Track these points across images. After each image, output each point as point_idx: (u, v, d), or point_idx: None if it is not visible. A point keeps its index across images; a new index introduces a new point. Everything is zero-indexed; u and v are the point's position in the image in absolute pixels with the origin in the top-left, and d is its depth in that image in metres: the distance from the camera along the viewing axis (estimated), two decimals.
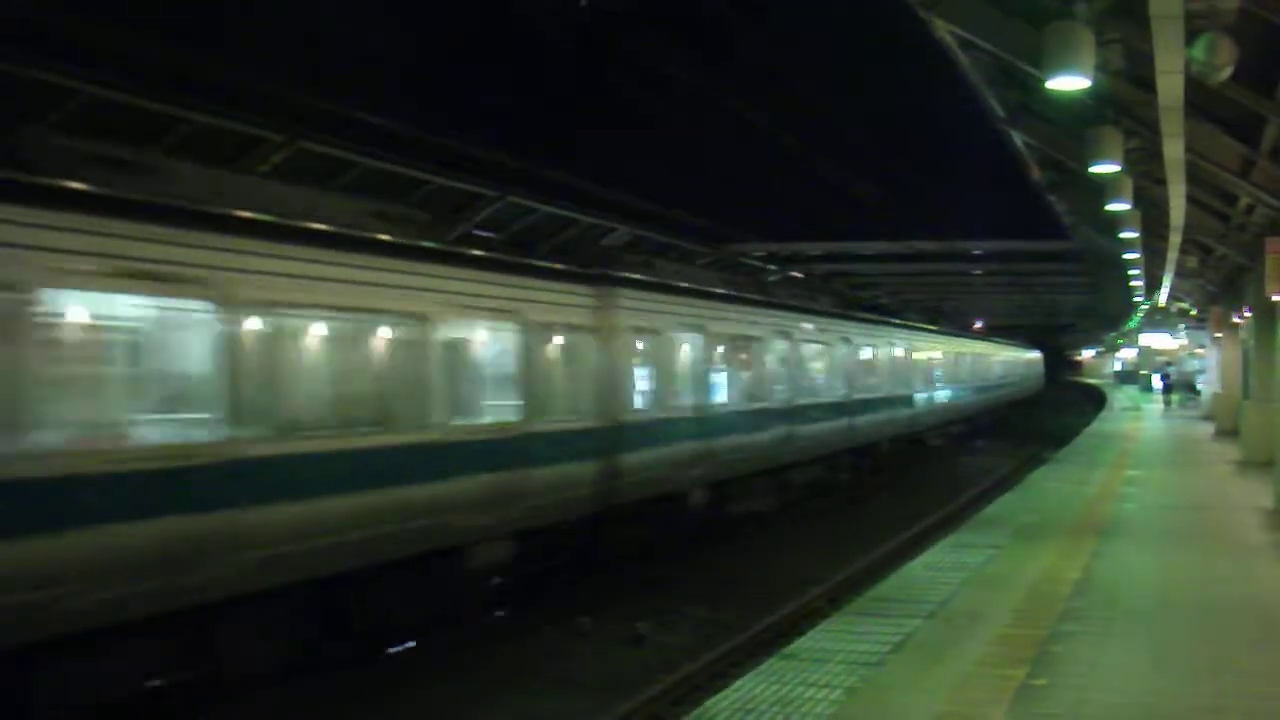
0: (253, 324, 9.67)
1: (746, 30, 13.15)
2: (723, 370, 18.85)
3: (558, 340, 14.45)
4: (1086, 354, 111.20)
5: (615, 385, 15.28)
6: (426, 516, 11.48)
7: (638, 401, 15.99)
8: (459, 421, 12.17)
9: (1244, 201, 17.36)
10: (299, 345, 10.60)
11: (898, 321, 34.04)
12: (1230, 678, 7.75)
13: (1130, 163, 14.55)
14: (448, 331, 12.12)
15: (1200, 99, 11.80)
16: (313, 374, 10.79)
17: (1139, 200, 17.05)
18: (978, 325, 62.55)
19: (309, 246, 10.40)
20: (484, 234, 18.08)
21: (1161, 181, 14.83)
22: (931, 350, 36.58)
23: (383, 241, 11.65)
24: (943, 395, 37.63)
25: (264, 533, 9.41)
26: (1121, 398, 59.27)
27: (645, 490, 15.70)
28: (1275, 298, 17.42)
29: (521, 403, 13.30)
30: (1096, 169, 13.99)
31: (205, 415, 9.17)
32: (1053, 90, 10.72)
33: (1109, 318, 63.35)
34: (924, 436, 34.58)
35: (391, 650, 11.99)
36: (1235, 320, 28.06)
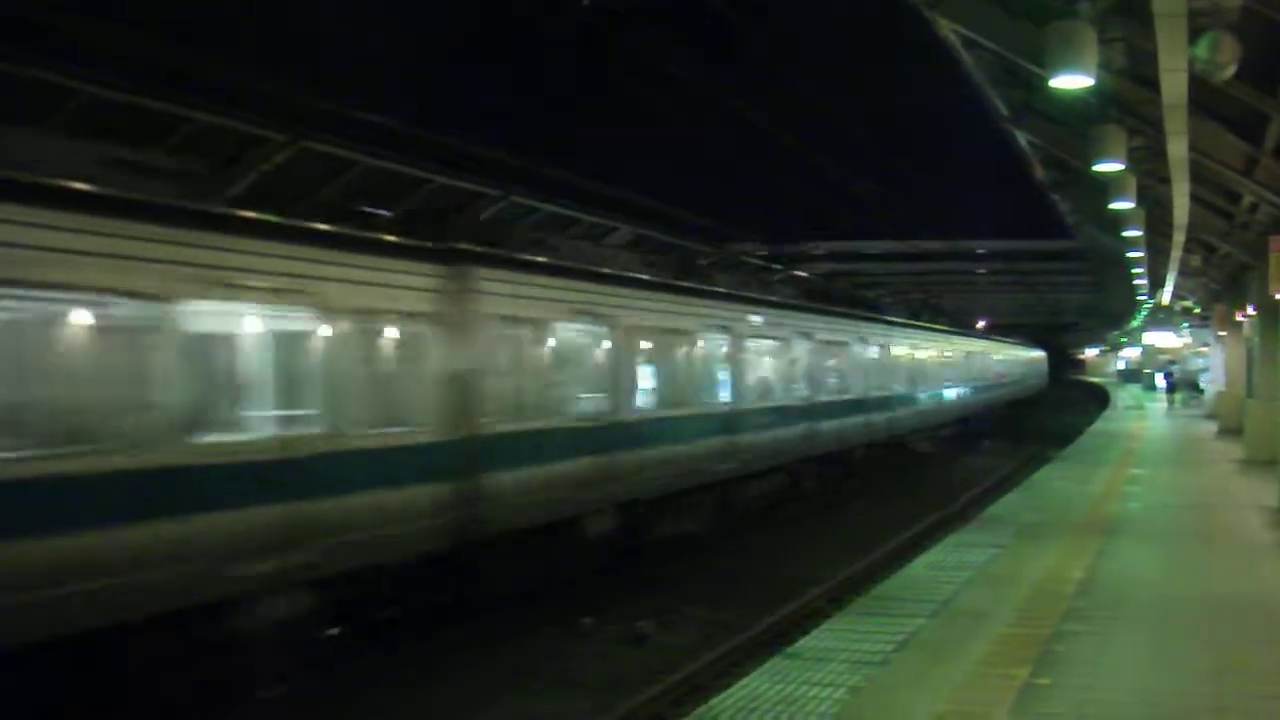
0: None
1: (747, 29, 13.11)
2: (638, 370, 16.22)
3: (380, 331, 11.58)
4: (1090, 352, 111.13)
5: (473, 390, 12.38)
6: (137, 573, 8.62)
7: (509, 409, 13.10)
8: (204, 439, 9.34)
9: (1247, 200, 17.33)
10: None
11: (873, 316, 30.85)
12: (1234, 677, 7.72)
13: (1134, 161, 14.53)
14: (195, 318, 9.31)
15: (1204, 97, 11.78)
16: None
17: (1142, 199, 17.02)
18: (981, 324, 62.58)
19: None
20: (380, 211, 14.31)
21: (1165, 180, 14.81)
22: (916, 347, 33.84)
23: (77, 192, 8.70)
24: (930, 396, 35.10)
25: None
26: (1125, 396, 59.21)
27: (523, 517, 13.09)
28: (1279, 296, 17.38)
29: (315, 411, 10.48)
30: (1100, 168, 13.96)
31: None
32: (1056, 89, 10.71)
33: (1112, 316, 63.34)
34: (907, 441, 32.10)
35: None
36: (1239, 319, 28.01)
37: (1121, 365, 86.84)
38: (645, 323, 16.32)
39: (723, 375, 19.05)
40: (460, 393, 12.22)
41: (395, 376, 11.71)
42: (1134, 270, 30.38)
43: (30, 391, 8.27)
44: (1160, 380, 51.87)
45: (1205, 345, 42.91)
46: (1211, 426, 32.38)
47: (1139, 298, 41.45)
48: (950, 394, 39.09)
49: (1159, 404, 48.14)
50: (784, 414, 21.34)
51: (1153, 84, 10.55)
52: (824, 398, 23.58)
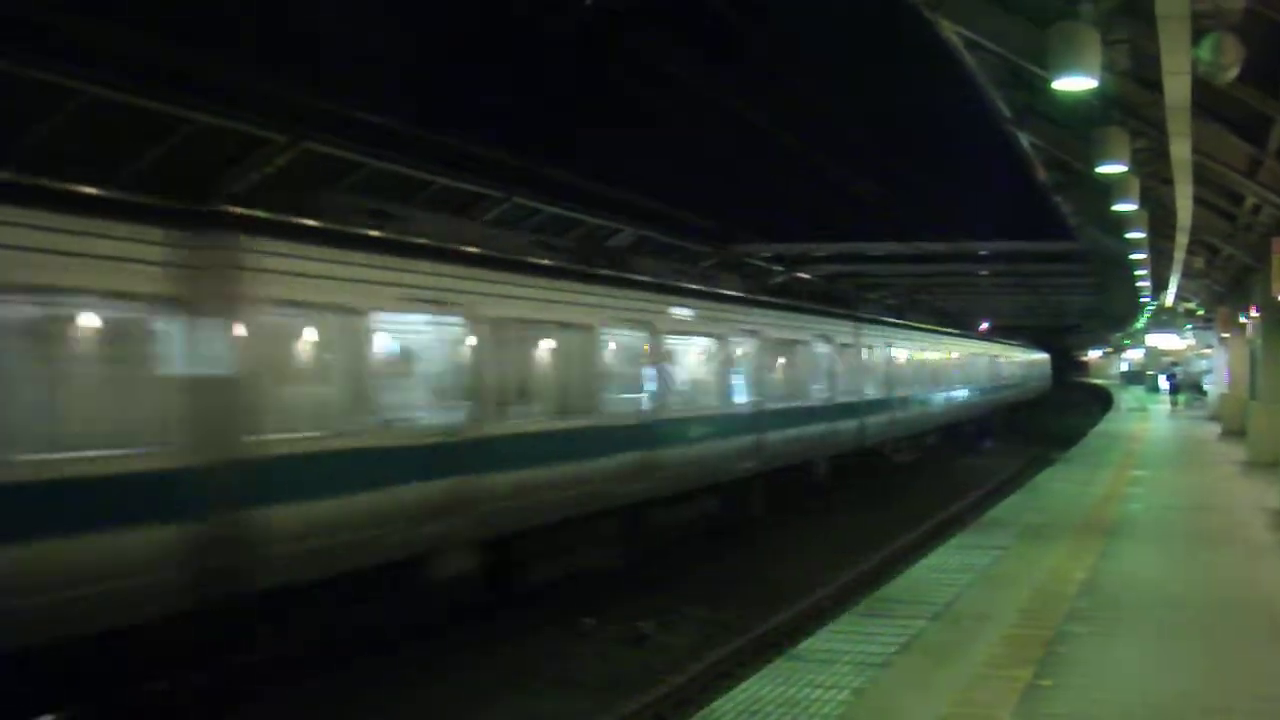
0: None
1: (747, 29, 13.08)
2: (507, 372, 13.19)
3: (70, 318, 8.71)
4: (1093, 354, 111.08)
5: (235, 398, 9.53)
6: None
7: (298, 422, 10.35)
8: None
9: (1251, 201, 17.31)
10: None
11: (842, 312, 27.33)
12: (1237, 678, 7.71)
13: (1137, 163, 14.51)
14: None
15: (1207, 99, 11.77)
16: None
17: (1145, 200, 16.99)
18: (984, 325, 62.53)
19: None
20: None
21: (1168, 182, 14.79)
22: (897, 347, 30.61)
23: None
24: (912, 400, 31.73)
25: None
26: (1128, 398, 59.17)
27: (318, 564, 10.13)
28: None
29: None
30: (1103, 169, 13.94)
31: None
32: (1059, 91, 10.70)
33: (1115, 318, 63.25)
34: (883, 451, 28.65)
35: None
36: (1242, 320, 27.98)
37: (1124, 367, 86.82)
38: (522, 314, 13.41)
39: (634, 378, 16.09)
40: (212, 402, 9.28)
41: (94, 380, 8.88)
42: (1137, 272, 30.34)
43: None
44: (1163, 382, 51.81)
45: (1208, 347, 42.87)
46: (1214, 428, 32.34)
47: (1142, 300, 41.41)
48: (937, 398, 35.78)
49: (1162, 406, 48.09)
50: (717, 423, 18.20)
51: (1156, 86, 10.54)
52: (777, 404, 20.43)
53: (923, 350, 34.52)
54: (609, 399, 15.18)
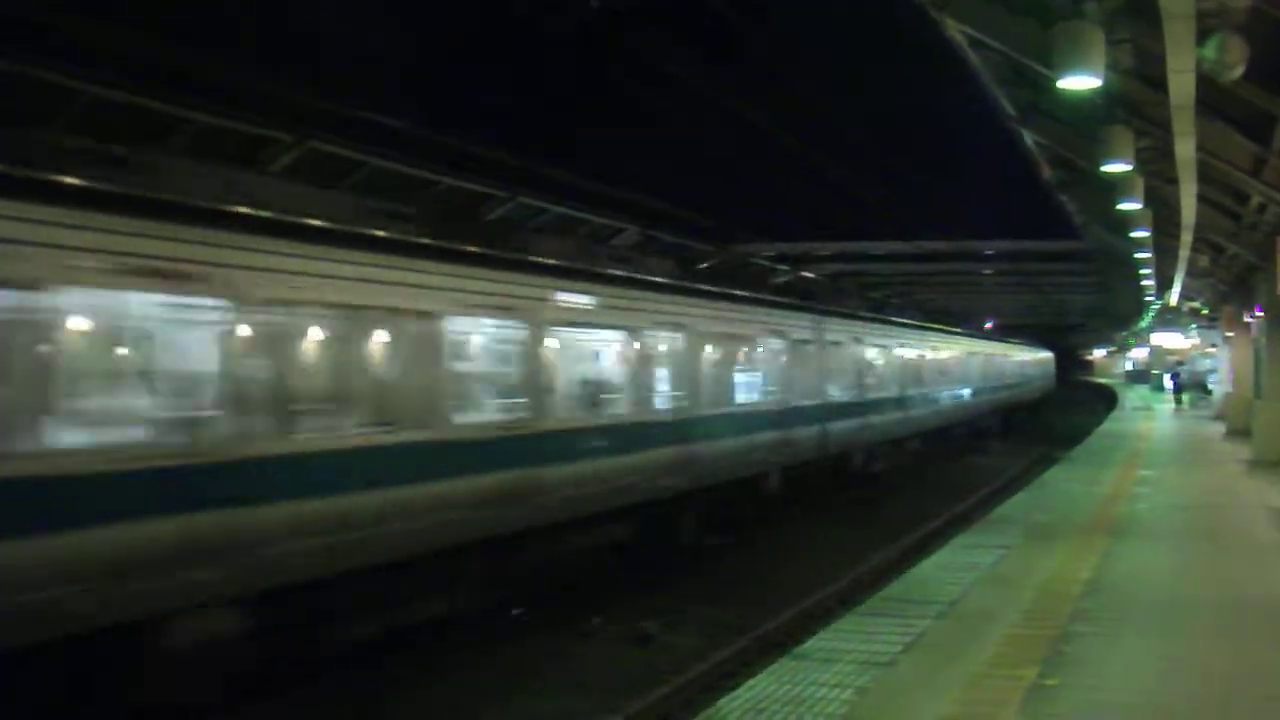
0: None
1: (747, 29, 13.06)
2: (299, 371, 10.27)
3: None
4: (1098, 353, 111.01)
5: None
6: None
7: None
8: None
9: (1255, 200, 17.27)
10: None
11: (805, 305, 24.87)
12: (1242, 677, 7.68)
13: (1141, 162, 14.49)
14: None
15: (1211, 98, 11.74)
16: None
17: (1150, 199, 16.97)
18: (989, 325, 62.42)
19: None
20: None
21: (1173, 180, 14.76)
22: (870, 345, 27.58)
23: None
24: (888, 405, 28.41)
25: None
26: (1133, 397, 59.11)
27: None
28: None
29: None
30: (1107, 168, 13.92)
31: None
32: (1064, 90, 10.69)
33: (1120, 317, 63.17)
34: (852, 458, 25.51)
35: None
36: (1247, 319, 27.94)
37: (1129, 366, 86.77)
38: (314, 296, 10.32)
39: (509, 380, 13.43)
40: None
41: None
42: (1141, 271, 30.31)
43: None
44: (1168, 381, 51.76)
45: (1213, 346, 42.79)
46: (1219, 427, 32.29)
47: (1146, 299, 41.38)
48: (920, 400, 32.33)
49: (1167, 405, 48.06)
50: (624, 434, 15.22)
51: (1160, 84, 10.51)
52: (707, 409, 17.51)
53: (904, 348, 31.30)
54: (463, 406, 12.50)
